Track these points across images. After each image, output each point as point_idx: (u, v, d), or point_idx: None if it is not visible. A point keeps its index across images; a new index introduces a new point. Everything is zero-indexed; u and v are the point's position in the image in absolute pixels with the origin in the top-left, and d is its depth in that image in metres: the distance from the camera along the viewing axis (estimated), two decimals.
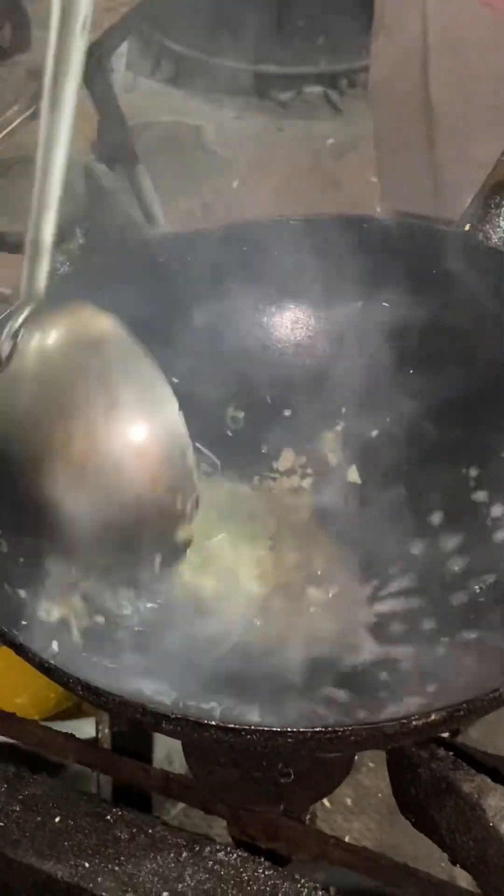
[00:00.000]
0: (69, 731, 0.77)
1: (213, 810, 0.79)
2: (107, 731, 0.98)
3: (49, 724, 0.78)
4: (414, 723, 0.56)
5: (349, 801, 1.42)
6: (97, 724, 0.99)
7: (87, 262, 0.83)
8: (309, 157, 2.41)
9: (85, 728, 1.02)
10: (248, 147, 2.44)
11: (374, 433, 0.83)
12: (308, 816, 0.79)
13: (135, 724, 0.91)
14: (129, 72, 2.51)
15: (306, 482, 0.83)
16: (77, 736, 0.77)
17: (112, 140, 1.56)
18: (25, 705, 1.01)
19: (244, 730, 0.57)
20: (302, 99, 2.57)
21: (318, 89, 2.57)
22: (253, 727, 0.58)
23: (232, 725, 0.58)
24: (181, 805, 1.07)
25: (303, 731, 0.57)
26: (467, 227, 0.80)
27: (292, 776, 0.74)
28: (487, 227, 0.80)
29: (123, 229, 0.89)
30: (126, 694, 0.60)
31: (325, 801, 1.46)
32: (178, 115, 2.53)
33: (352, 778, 0.93)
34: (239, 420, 0.86)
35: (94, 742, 0.96)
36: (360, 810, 1.45)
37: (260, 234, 0.84)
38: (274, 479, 0.84)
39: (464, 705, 0.57)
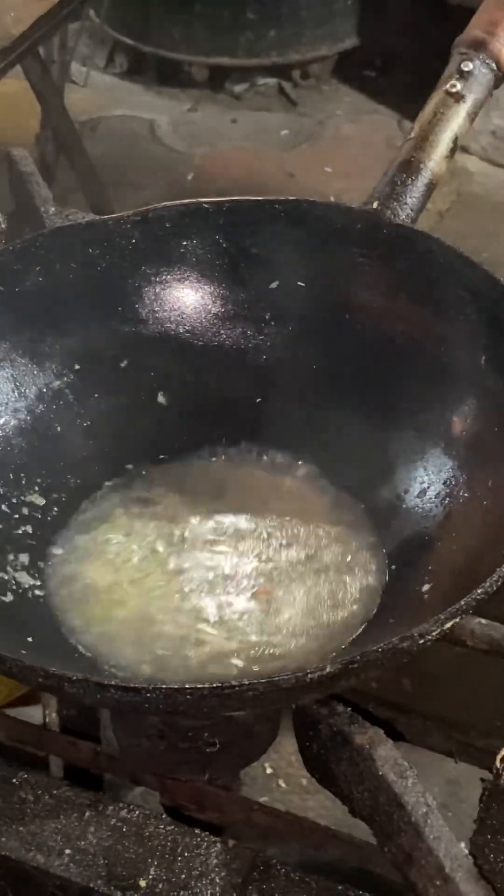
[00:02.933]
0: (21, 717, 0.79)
1: (140, 781, 0.81)
2: (54, 715, 0.99)
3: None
4: (309, 676, 0.58)
5: (304, 782, 1.44)
6: (44, 708, 1.01)
7: (7, 246, 0.84)
8: (263, 149, 2.43)
9: (37, 714, 1.04)
10: (203, 139, 2.46)
11: (288, 409, 0.85)
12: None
13: (81, 707, 0.93)
14: (82, 66, 2.52)
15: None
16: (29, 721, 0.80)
17: (55, 131, 1.58)
18: None
19: (143, 688, 0.59)
20: (256, 91, 2.59)
21: (271, 81, 2.58)
22: (152, 686, 0.59)
23: (132, 685, 0.60)
24: None
25: (200, 688, 0.59)
26: (375, 205, 0.82)
27: (217, 746, 0.75)
28: (395, 204, 0.82)
29: (47, 215, 0.90)
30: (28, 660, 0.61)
31: (281, 782, 1.48)
32: (132, 109, 2.54)
33: None
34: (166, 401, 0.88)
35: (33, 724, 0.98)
36: (315, 789, 1.47)
37: (176, 219, 0.86)
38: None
39: (358, 657, 0.59)
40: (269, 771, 1.45)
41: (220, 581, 0.78)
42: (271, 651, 0.73)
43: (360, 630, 0.74)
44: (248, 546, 0.80)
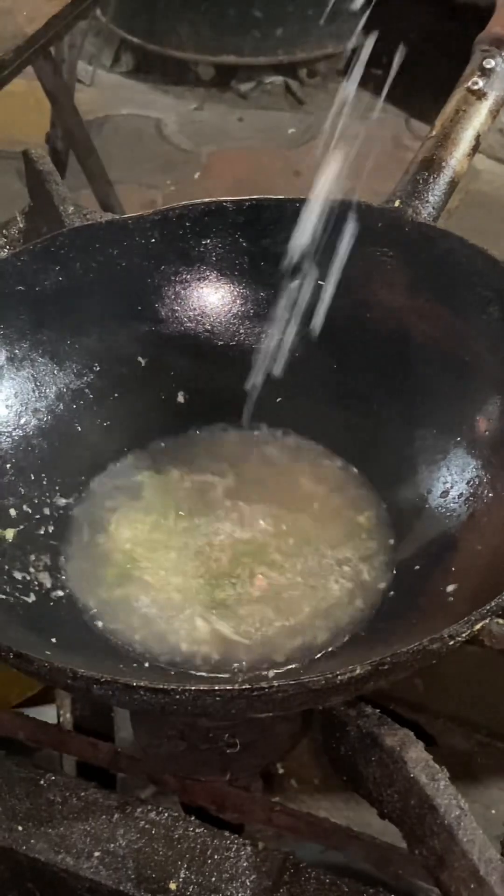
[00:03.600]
0: (36, 717, 0.79)
1: (160, 781, 0.81)
2: (68, 715, 0.99)
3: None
4: (339, 678, 0.57)
5: (317, 781, 1.44)
6: (58, 708, 1.01)
7: (27, 246, 0.84)
8: (270, 147, 2.42)
9: (51, 713, 1.04)
10: (209, 138, 2.45)
11: (306, 405, 0.84)
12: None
13: (94, 706, 0.92)
14: (89, 65, 2.52)
15: None
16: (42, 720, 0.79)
17: (65, 129, 1.58)
18: None
19: (172, 689, 0.59)
20: (262, 89, 2.58)
21: (278, 79, 2.58)
22: (180, 687, 0.59)
23: (161, 686, 0.59)
24: None
25: (229, 690, 0.59)
26: (397, 203, 0.81)
27: (238, 746, 0.75)
28: (416, 202, 0.82)
29: (65, 214, 0.89)
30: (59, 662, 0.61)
31: (294, 782, 1.48)
32: (138, 108, 2.53)
33: (319, 758, 0.95)
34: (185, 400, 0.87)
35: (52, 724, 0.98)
36: (328, 790, 1.46)
37: (196, 218, 0.85)
38: None
39: (388, 659, 0.58)
40: (281, 771, 1.44)
41: (236, 572, 0.78)
42: (283, 649, 0.73)
43: (382, 630, 0.74)
44: (266, 543, 0.80)
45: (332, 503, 0.82)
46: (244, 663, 0.73)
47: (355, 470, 0.83)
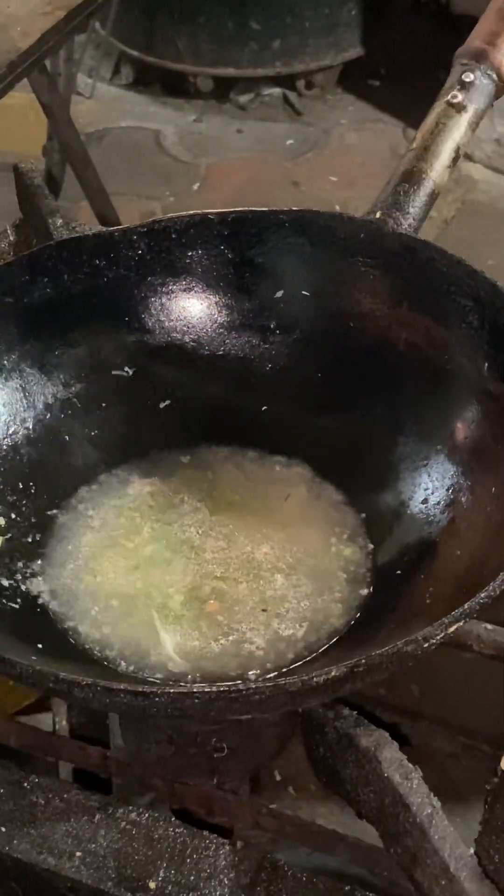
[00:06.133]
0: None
1: (148, 785, 0.82)
2: (64, 722, 1.00)
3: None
4: (315, 680, 0.59)
5: (313, 788, 1.45)
6: (54, 716, 1.02)
7: (16, 258, 0.86)
8: (268, 158, 2.44)
9: (47, 722, 1.05)
10: (208, 149, 2.47)
11: (293, 416, 0.86)
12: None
13: (89, 713, 0.93)
14: (88, 77, 2.54)
15: None
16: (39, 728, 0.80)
17: (62, 142, 1.59)
18: None
19: (151, 692, 0.60)
20: (261, 101, 2.60)
21: (276, 91, 2.60)
22: (160, 691, 0.60)
23: (141, 689, 0.60)
24: None
25: (207, 692, 0.60)
26: (378, 215, 0.83)
27: (225, 750, 0.76)
28: (397, 213, 0.83)
29: (54, 227, 0.91)
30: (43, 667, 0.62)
31: (291, 789, 1.48)
32: (138, 120, 2.55)
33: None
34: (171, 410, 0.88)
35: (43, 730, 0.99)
36: (325, 796, 1.47)
37: (181, 230, 0.87)
38: None
39: (363, 661, 0.60)
40: (278, 778, 1.45)
41: (220, 583, 0.79)
42: (263, 652, 0.74)
43: (362, 634, 0.75)
44: (245, 551, 0.81)
45: (310, 512, 0.84)
46: (227, 670, 0.74)
47: (334, 478, 0.85)
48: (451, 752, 0.89)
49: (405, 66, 2.63)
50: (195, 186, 2.34)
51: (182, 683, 0.72)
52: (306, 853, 0.81)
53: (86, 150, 1.61)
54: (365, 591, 0.78)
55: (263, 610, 0.77)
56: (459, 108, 0.84)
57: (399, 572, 0.77)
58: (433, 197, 0.84)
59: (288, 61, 2.54)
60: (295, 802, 1.46)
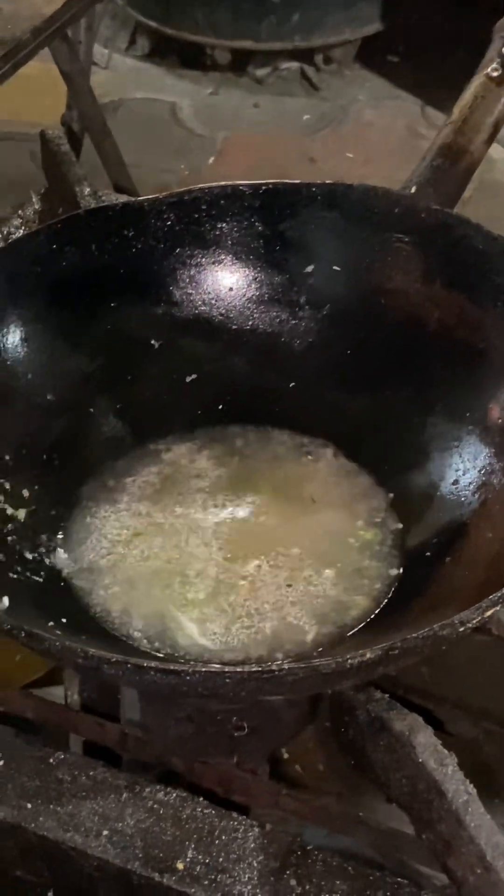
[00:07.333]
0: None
1: (167, 764, 0.81)
2: (75, 696, 1.00)
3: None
4: (349, 662, 0.57)
5: (321, 768, 1.44)
6: (65, 690, 1.01)
7: (44, 227, 0.84)
8: (285, 133, 2.41)
9: (58, 696, 1.04)
10: (224, 123, 2.44)
11: (321, 394, 0.84)
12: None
13: (101, 688, 0.93)
14: (104, 48, 2.51)
15: None
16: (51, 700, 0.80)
17: (81, 112, 1.57)
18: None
19: (183, 671, 0.59)
20: (278, 75, 2.57)
21: (294, 65, 2.56)
22: (192, 669, 0.59)
23: (171, 668, 0.59)
24: None
25: (240, 672, 0.59)
26: (413, 189, 0.81)
27: (246, 730, 0.75)
28: (433, 189, 0.81)
29: (81, 196, 0.89)
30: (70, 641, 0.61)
31: (298, 768, 1.48)
32: (154, 92, 2.52)
33: (324, 744, 0.95)
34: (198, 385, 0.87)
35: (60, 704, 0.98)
36: (332, 776, 1.47)
37: (212, 201, 0.85)
38: None
39: (399, 644, 0.58)
40: (286, 756, 1.45)
41: (243, 563, 0.78)
42: (294, 634, 0.73)
43: (392, 617, 0.74)
44: (272, 533, 0.80)
45: (338, 492, 0.82)
46: (253, 653, 0.73)
47: (362, 459, 0.83)
48: (473, 737, 0.88)
49: (424, 42, 2.60)
50: (210, 160, 2.32)
51: (208, 663, 0.71)
52: (323, 835, 0.81)
53: (104, 120, 1.59)
54: (394, 573, 0.76)
55: (289, 586, 0.76)
56: (499, 81, 0.83)
57: (429, 555, 0.76)
58: (470, 172, 0.82)
59: (306, 35, 2.51)
60: (302, 782, 1.45)
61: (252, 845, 0.60)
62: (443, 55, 2.42)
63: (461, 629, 0.60)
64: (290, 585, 0.76)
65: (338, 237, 0.84)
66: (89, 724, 0.84)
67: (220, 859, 0.59)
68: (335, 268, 0.85)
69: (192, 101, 2.50)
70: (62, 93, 1.70)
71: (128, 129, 2.34)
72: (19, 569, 0.73)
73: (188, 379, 0.86)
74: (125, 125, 2.37)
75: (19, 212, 0.93)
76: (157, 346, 0.85)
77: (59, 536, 0.79)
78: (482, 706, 0.92)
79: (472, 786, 0.58)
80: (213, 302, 0.87)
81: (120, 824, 0.60)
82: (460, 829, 0.56)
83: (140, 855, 0.59)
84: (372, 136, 2.39)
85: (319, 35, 2.51)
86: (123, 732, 0.82)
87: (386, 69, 2.60)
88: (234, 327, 0.87)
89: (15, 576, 0.73)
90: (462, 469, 0.78)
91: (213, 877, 0.58)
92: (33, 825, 0.59)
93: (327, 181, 0.84)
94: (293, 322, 0.86)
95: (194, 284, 0.86)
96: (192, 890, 0.58)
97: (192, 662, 0.71)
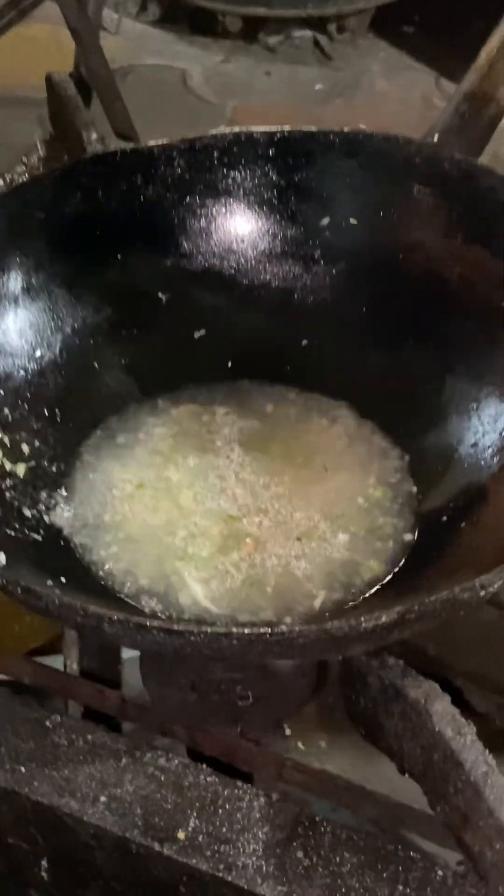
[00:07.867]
0: None
1: (169, 732, 0.78)
2: (74, 665, 0.97)
3: None
4: (364, 625, 0.54)
5: (323, 744, 1.42)
6: (65, 659, 0.99)
7: (48, 171, 0.81)
8: (296, 103, 2.37)
9: (57, 664, 1.02)
10: (235, 91, 2.40)
11: (335, 352, 0.81)
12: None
13: (101, 657, 0.90)
14: (114, 13, 2.46)
15: None
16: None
17: (91, 71, 1.53)
18: None
19: (187, 631, 0.56)
20: (290, 44, 2.53)
21: (307, 34, 2.52)
22: (197, 630, 0.56)
23: (175, 627, 0.56)
24: None
25: (247, 633, 0.56)
26: (436, 138, 0.78)
27: (250, 699, 0.73)
28: (457, 137, 0.78)
29: (88, 141, 0.86)
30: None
31: (300, 743, 1.46)
32: (163, 58, 2.48)
33: (326, 720, 0.93)
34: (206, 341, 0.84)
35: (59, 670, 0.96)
36: (334, 752, 1.44)
37: (224, 148, 0.82)
38: None
39: (415, 608, 0.55)
40: (287, 732, 1.42)
41: (252, 519, 0.75)
42: (302, 597, 0.70)
43: (407, 581, 0.71)
44: (280, 491, 0.77)
45: (352, 453, 0.79)
46: (262, 614, 0.70)
47: (378, 419, 0.80)
48: (486, 710, 0.85)
49: (440, 13, 2.55)
50: (220, 128, 2.28)
51: (214, 624, 0.68)
52: (329, 808, 0.78)
53: (114, 80, 1.54)
54: (409, 538, 0.73)
55: (299, 551, 0.73)
56: None
57: (445, 519, 0.73)
58: (496, 121, 0.78)
59: (320, 3, 2.46)
60: (304, 757, 1.43)
61: (257, 815, 0.57)
62: (459, 26, 2.37)
63: (482, 593, 0.57)
64: (299, 539, 0.73)
65: (355, 188, 0.81)
66: (89, 690, 0.81)
67: (224, 829, 0.56)
68: (352, 220, 0.82)
69: (203, 68, 2.46)
70: (69, 56, 1.66)
71: (137, 96, 2.29)
72: (17, 525, 0.70)
73: (197, 335, 0.83)
74: (134, 91, 2.33)
75: (23, 158, 0.89)
76: (164, 299, 0.82)
77: (61, 493, 0.76)
78: (495, 680, 0.90)
79: (491, 756, 0.55)
80: (224, 254, 0.83)
81: (119, 790, 0.57)
82: (479, 801, 0.53)
83: (139, 823, 0.56)
84: (385, 106, 2.35)
85: (333, 3, 2.47)
86: (123, 699, 0.79)
87: (400, 39, 2.55)
88: (245, 281, 0.83)
89: (12, 532, 0.70)
90: (482, 431, 0.75)
91: (215, 847, 0.55)
92: (27, 790, 0.56)
93: (345, 128, 0.81)
94: (307, 277, 0.83)
95: (205, 236, 0.83)
96: (194, 860, 0.55)
97: (197, 623, 0.68)
